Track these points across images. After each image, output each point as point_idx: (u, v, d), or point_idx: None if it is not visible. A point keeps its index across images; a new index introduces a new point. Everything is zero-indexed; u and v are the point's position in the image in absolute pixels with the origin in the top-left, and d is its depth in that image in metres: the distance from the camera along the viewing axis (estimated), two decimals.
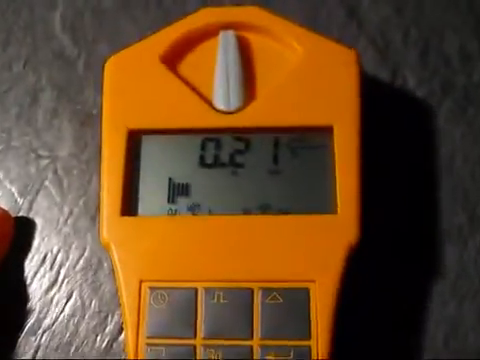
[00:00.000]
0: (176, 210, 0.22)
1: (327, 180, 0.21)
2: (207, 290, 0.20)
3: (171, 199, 0.22)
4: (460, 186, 0.25)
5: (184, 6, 0.29)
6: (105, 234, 0.21)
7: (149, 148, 0.22)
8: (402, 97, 0.27)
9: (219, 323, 0.20)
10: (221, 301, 0.20)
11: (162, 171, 0.22)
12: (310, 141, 0.22)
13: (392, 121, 0.26)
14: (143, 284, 0.20)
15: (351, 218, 0.21)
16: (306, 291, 0.20)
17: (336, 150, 0.21)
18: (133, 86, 0.23)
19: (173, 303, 0.20)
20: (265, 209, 0.21)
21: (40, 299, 0.25)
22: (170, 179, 0.22)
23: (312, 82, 0.22)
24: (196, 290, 0.20)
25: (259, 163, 0.22)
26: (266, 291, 0.20)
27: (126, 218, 0.21)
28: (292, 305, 0.20)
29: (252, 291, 0.20)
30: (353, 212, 0.21)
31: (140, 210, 0.22)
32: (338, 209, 0.21)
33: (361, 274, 0.22)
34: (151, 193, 0.22)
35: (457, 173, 0.25)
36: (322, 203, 0.21)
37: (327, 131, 0.22)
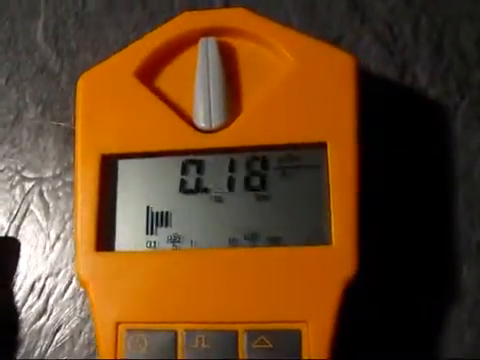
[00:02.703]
0: (155, 242, 0.20)
1: (321, 206, 0.19)
2: (188, 333, 0.18)
3: (150, 230, 0.20)
4: (478, 199, 0.22)
5: (171, 7, 0.27)
6: (80, 272, 0.19)
7: (125, 173, 0.21)
8: (412, 97, 0.24)
9: None
10: (203, 346, 0.18)
11: (139, 199, 0.20)
12: (302, 160, 0.20)
13: (401, 126, 0.23)
14: (120, 326, 0.19)
15: (347, 249, 0.18)
16: (297, 333, 0.18)
17: (330, 170, 0.19)
18: (107, 105, 0.21)
19: (152, 348, 0.18)
20: (253, 239, 0.19)
21: (29, 330, 0.24)
22: (148, 207, 0.20)
23: (304, 93, 0.20)
24: (176, 333, 0.18)
25: (246, 188, 0.20)
26: (252, 334, 0.18)
27: (101, 254, 0.20)
28: (282, 350, 0.18)
29: (236, 334, 0.18)
30: (350, 242, 0.18)
31: (116, 244, 0.20)
32: (333, 239, 0.18)
33: (360, 310, 0.20)
34: (128, 224, 0.20)
35: (475, 184, 0.22)
36: (315, 233, 0.19)
37: (320, 148, 0.19)
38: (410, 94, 0.24)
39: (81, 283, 0.20)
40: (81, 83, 0.21)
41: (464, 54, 0.24)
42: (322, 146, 0.19)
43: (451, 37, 0.24)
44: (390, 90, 0.24)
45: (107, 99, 0.21)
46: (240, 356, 0.18)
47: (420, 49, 0.24)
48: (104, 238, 0.20)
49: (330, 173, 0.19)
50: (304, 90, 0.20)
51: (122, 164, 0.21)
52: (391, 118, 0.24)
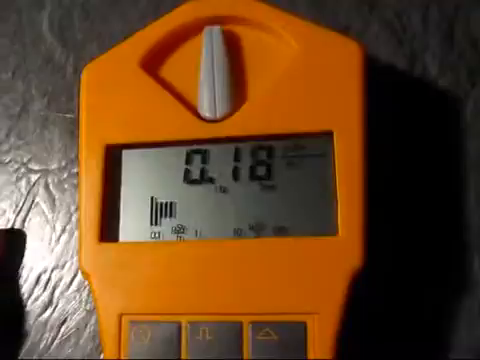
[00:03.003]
0: (160, 233, 0.20)
1: (327, 195, 0.19)
2: (192, 325, 0.18)
3: (154, 221, 0.20)
4: None
5: None
6: (83, 263, 0.19)
7: (129, 164, 0.20)
8: (422, 88, 0.23)
9: None
10: (207, 337, 0.18)
11: (144, 189, 0.20)
12: (308, 149, 0.19)
13: (410, 116, 0.23)
14: (124, 318, 0.19)
15: (354, 240, 0.18)
16: (303, 325, 0.18)
17: (337, 159, 0.19)
18: (111, 96, 0.21)
19: (156, 340, 0.18)
20: (258, 229, 0.19)
21: (34, 322, 0.24)
22: (152, 198, 0.20)
23: (309, 82, 0.19)
24: (180, 325, 0.18)
25: (251, 177, 0.19)
26: (257, 326, 0.18)
27: (105, 245, 0.19)
28: (287, 342, 0.17)
29: (241, 326, 0.18)
30: (356, 233, 0.18)
31: (120, 235, 0.20)
32: (339, 230, 0.18)
33: (367, 302, 0.19)
34: (132, 215, 0.20)
35: None
36: (321, 223, 0.18)
37: (326, 137, 0.19)
38: (420, 83, 0.23)
39: (84, 274, 0.20)
40: (85, 73, 0.21)
41: (475, 42, 0.23)
42: (328, 135, 0.19)
43: (461, 25, 0.24)
44: (400, 80, 0.24)
45: (111, 89, 0.21)
46: (244, 348, 0.18)
47: (430, 38, 0.24)
48: (108, 229, 0.20)
49: (336, 162, 0.19)
50: (310, 78, 0.20)
51: (126, 154, 0.20)
52: (401, 108, 0.23)
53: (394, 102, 0.23)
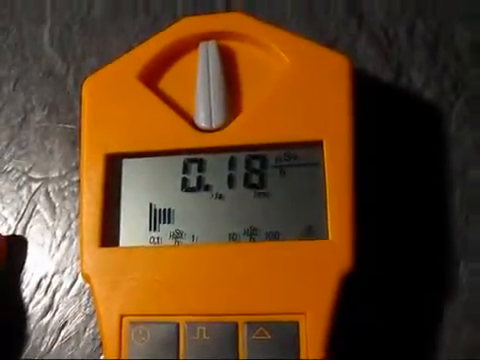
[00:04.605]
0: (158, 238, 0.20)
1: (318, 201, 0.20)
2: (189, 325, 0.19)
3: (153, 227, 0.21)
4: (473, 198, 0.23)
5: (173, 14, 0.27)
6: (85, 267, 0.20)
7: (129, 172, 0.21)
8: (408, 99, 0.24)
9: None
10: (204, 337, 0.19)
11: (143, 196, 0.21)
12: (299, 158, 0.20)
13: (396, 127, 0.24)
14: (124, 319, 0.19)
15: (344, 243, 0.19)
16: (295, 325, 0.18)
17: (326, 167, 0.20)
18: (111, 107, 0.22)
19: (155, 339, 0.19)
20: (252, 234, 0.20)
21: (35, 326, 0.25)
22: (151, 205, 0.21)
23: (300, 94, 0.21)
24: (178, 325, 0.19)
25: (245, 185, 0.20)
26: (252, 325, 0.19)
27: (106, 249, 0.20)
28: (280, 341, 0.18)
29: (237, 326, 0.19)
30: (346, 236, 0.19)
31: (121, 240, 0.21)
32: (329, 234, 0.19)
33: (356, 303, 0.20)
34: (132, 221, 0.21)
35: (470, 184, 0.23)
36: (312, 227, 0.19)
37: (317, 146, 0.20)
38: (405, 95, 0.25)
39: (85, 278, 0.20)
40: (86, 86, 0.22)
41: (459, 56, 0.24)
42: (318, 144, 0.20)
43: (445, 39, 0.25)
44: (386, 92, 0.25)
45: (111, 101, 0.22)
46: (240, 347, 0.18)
47: (415, 51, 0.25)
48: (109, 234, 0.20)
49: (326, 170, 0.20)
50: (300, 90, 0.21)
51: (126, 163, 0.21)
52: (387, 119, 0.24)
53: (380, 113, 0.24)
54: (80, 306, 0.24)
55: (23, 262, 0.25)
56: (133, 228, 0.21)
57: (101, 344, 0.24)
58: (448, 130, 0.24)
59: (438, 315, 0.22)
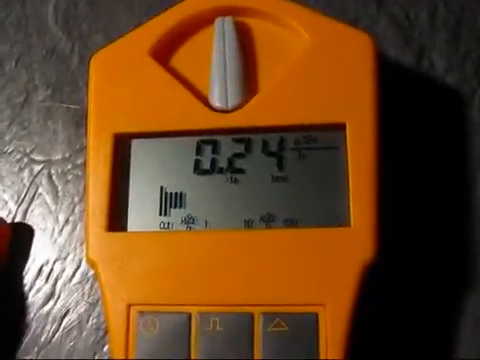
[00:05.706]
0: (169, 224, 0.19)
1: (339, 187, 0.19)
2: (202, 315, 0.18)
3: (163, 211, 0.19)
4: None
5: None
6: (90, 252, 0.19)
7: (139, 153, 0.20)
8: (429, 84, 0.23)
9: (215, 354, 0.17)
10: (217, 328, 0.17)
11: (153, 179, 0.20)
12: (319, 141, 0.19)
13: (417, 113, 0.23)
14: (132, 308, 0.18)
15: (366, 231, 0.18)
16: (314, 317, 0.17)
17: (349, 151, 0.19)
18: (120, 84, 0.20)
19: (165, 331, 0.18)
20: (269, 221, 0.19)
21: (36, 314, 0.23)
22: (162, 188, 0.20)
23: (321, 73, 0.19)
24: (190, 316, 0.18)
25: (262, 168, 0.19)
26: (268, 317, 0.17)
27: (113, 234, 0.19)
28: (298, 333, 0.17)
29: (252, 317, 0.18)
30: (369, 224, 0.18)
31: (129, 225, 0.19)
32: (351, 221, 0.18)
33: (379, 295, 0.19)
34: (141, 205, 0.20)
35: None
36: (333, 214, 0.18)
37: (339, 129, 0.19)
38: (427, 80, 0.24)
39: (91, 264, 0.19)
40: (93, 62, 0.21)
41: None
42: (340, 127, 0.19)
43: (469, 22, 0.24)
44: (407, 76, 0.24)
45: (120, 78, 0.20)
46: (255, 339, 0.17)
47: (437, 35, 0.24)
48: (116, 218, 0.19)
49: (349, 154, 0.19)
50: (321, 70, 0.19)
51: (135, 144, 0.20)
52: (407, 106, 0.23)
53: (401, 98, 0.23)
54: (83, 294, 0.23)
55: (28, 250, 0.24)
56: (142, 212, 0.20)
57: (105, 334, 0.23)
58: (470, 116, 0.23)
59: (460, 309, 0.21)
